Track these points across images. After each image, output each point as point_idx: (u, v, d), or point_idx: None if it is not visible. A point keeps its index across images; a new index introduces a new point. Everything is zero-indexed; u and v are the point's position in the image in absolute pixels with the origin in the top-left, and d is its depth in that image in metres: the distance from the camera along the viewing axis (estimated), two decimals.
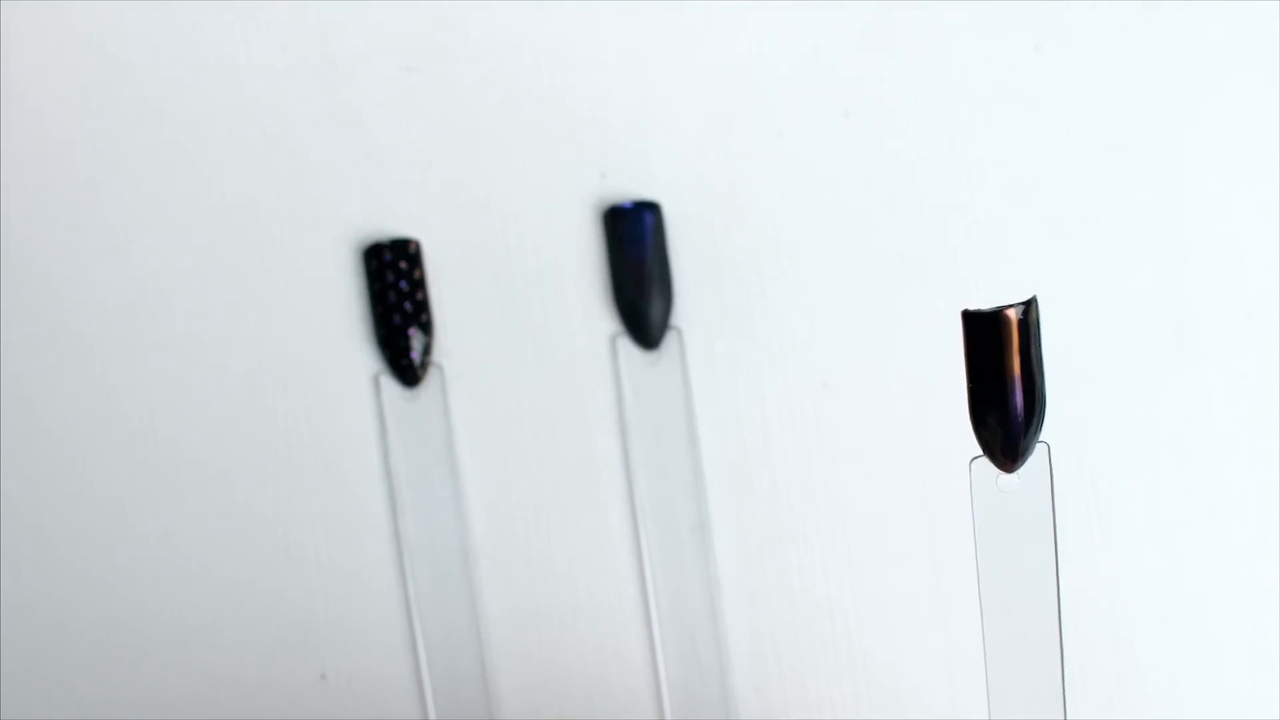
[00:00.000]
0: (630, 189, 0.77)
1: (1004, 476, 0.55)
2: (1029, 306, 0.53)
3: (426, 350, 0.76)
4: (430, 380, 0.77)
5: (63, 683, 0.78)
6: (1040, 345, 0.54)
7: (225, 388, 0.77)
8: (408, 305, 0.76)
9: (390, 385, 0.76)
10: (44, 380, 0.77)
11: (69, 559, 0.77)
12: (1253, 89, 0.77)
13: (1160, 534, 0.77)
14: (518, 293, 0.77)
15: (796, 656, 0.77)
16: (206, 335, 0.77)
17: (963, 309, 0.53)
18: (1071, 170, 0.77)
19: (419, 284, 0.76)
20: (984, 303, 0.54)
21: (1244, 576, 0.77)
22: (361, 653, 0.77)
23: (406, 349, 0.76)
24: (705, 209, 0.77)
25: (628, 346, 0.77)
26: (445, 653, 0.77)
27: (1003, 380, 0.53)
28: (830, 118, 0.77)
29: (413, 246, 0.76)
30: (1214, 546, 0.77)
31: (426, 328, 0.76)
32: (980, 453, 0.55)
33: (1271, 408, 0.76)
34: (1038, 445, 0.55)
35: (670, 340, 0.77)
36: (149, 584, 0.77)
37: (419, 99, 0.77)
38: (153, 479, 0.77)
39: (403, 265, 0.76)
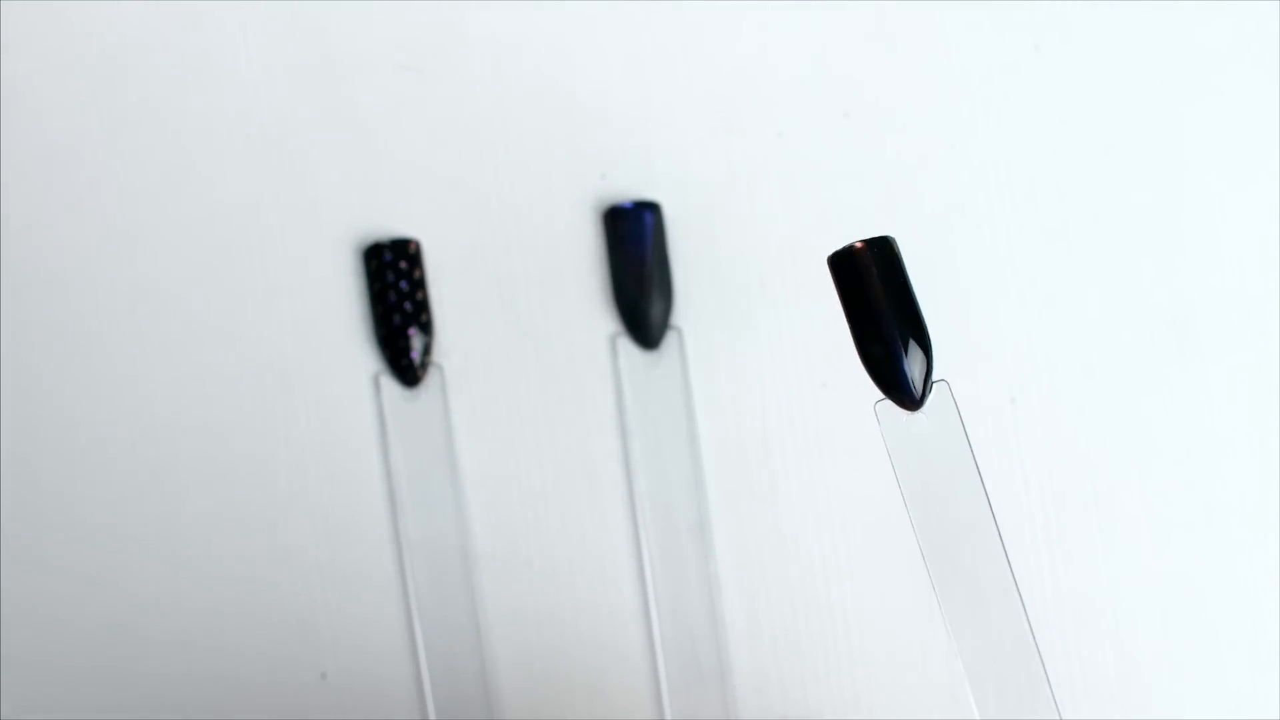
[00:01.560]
0: (630, 189, 0.77)
1: (913, 418, 0.56)
2: (885, 240, 0.56)
3: (426, 350, 0.76)
4: (430, 380, 0.77)
5: (63, 682, 0.77)
6: (907, 278, 0.56)
7: (225, 387, 0.77)
8: (408, 305, 0.76)
9: (390, 385, 0.76)
10: (43, 379, 0.77)
11: (69, 558, 0.77)
12: (1252, 90, 0.77)
13: (1160, 534, 0.77)
14: (518, 293, 0.77)
15: (797, 657, 0.77)
16: (206, 335, 0.77)
17: (827, 256, 0.56)
18: (1071, 170, 0.77)
19: (419, 284, 0.76)
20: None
21: (1244, 576, 0.77)
22: (361, 653, 0.77)
23: (406, 349, 0.76)
24: (705, 209, 0.77)
25: (628, 346, 0.77)
26: (445, 653, 0.77)
27: (874, 312, 0.55)
28: (830, 118, 0.77)
29: (413, 246, 0.76)
30: (1214, 546, 0.77)
31: (426, 328, 0.76)
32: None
33: (1272, 408, 0.76)
34: (936, 385, 0.56)
35: (670, 340, 0.77)
36: (149, 583, 0.77)
37: (419, 99, 0.78)
38: (152, 478, 0.77)
39: (403, 265, 0.76)
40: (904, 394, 0.56)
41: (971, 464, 0.57)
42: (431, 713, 0.76)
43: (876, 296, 0.55)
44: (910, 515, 0.57)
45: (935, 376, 0.56)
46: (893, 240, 0.56)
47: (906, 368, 0.56)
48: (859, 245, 0.55)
